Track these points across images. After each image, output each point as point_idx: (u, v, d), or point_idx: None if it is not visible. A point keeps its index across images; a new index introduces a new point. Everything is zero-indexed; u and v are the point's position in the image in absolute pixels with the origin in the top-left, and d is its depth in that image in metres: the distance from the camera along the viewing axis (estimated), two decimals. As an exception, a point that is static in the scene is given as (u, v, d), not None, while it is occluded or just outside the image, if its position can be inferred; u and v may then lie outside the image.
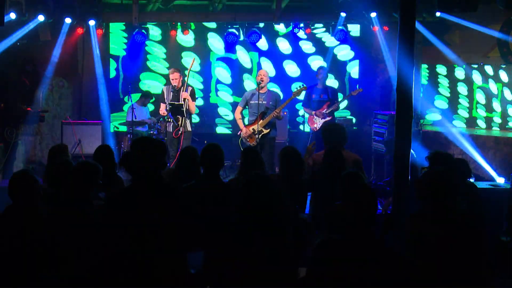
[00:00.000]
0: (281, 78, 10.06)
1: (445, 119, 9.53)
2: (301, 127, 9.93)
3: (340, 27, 9.24)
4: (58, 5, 8.23)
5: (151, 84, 10.08)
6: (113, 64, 10.08)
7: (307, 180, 5.01)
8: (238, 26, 9.61)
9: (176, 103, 7.66)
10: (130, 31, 9.65)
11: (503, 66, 8.87)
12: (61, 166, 4.04)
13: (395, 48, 4.64)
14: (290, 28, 9.73)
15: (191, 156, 4.77)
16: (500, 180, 7.40)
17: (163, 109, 7.91)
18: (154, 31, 10.00)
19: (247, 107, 7.81)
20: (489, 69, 9.16)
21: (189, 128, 7.79)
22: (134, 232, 3.15)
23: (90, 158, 4.87)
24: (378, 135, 8.92)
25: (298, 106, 9.79)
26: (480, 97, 9.41)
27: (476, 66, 9.31)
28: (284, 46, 10.19)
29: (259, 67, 9.78)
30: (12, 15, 7.50)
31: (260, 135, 7.51)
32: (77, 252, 3.34)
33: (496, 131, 9.12)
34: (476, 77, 9.37)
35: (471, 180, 5.07)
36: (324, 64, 9.75)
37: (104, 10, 9.23)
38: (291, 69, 10.22)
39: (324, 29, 9.98)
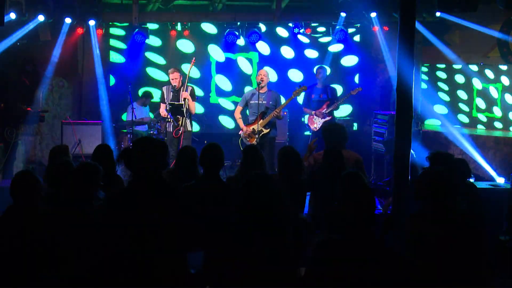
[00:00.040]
0: (284, 84, 10.08)
1: (446, 120, 9.54)
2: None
3: (340, 27, 9.24)
4: (58, 5, 8.22)
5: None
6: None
7: (307, 180, 5.00)
8: (238, 26, 9.63)
9: (176, 103, 7.66)
10: (129, 36, 9.71)
11: (504, 69, 8.88)
12: (61, 166, 4.04)
13: (395, 48, 4.64)
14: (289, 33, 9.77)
15: (189, 156, 4.77)
16: (500, 180, 7.40)
17: (163, 109, 7.92)
18: (154, 39, 10.07)
19: (247, 107, 7.81)
20: (489, 73, 9.17)
21: (189, 128, 7.79)
22: (134, 232, 3.15)
23: (90, 158, 4.86)
24: (378, 135, 8.92)
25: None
26: (480, 101, 9.41)
27: (476, 68, 9.31)
28: (287, 53, 10.22)
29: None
30: (12, 15, 7.50)
31: (260, 135, 7.51)
32: (78, 252, 3.34)
33: (497, 131, 9.12)
34: (476, 81, 9.37)
35: (471, 180, 5.07)
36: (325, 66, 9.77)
37: (104, 10, 9.22)
38: (295, 75, 10.24)
39: (325, 31, 10.00)
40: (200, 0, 9.79)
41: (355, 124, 10.04)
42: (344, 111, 10.07)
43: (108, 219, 3.30)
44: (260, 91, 7.49)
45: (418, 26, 8.44)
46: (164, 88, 8.00)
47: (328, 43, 10.09)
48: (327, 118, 8.26)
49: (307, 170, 5.19)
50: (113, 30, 10.09)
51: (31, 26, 8.08)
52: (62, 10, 8.28)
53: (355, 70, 10.31)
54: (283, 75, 10.25)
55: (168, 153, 7.48)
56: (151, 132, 8.70)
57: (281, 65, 10.27)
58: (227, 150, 5.80)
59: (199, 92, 9.88)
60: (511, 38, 8.46)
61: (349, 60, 10.33)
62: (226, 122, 10.37)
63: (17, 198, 3.54)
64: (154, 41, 10.13)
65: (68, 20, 8.45)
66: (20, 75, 8.59)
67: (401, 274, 2.66)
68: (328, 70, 9.44)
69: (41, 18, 7.97)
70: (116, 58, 10.19)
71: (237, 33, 9.54)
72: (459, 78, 9.70)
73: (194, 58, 8.10)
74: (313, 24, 9.77)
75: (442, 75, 9.97)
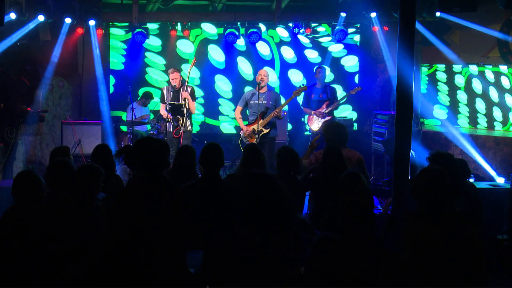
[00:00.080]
0: (286, 86, 10.09)
1: (447, 121, 9.54)
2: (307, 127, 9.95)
3: (340, 27, 9.24)
4: (58, 5, 8.22)
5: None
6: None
7: (305, 179, 5.00)
8: (238, 26, 9.63)
9: (176, 103, 7.66)
10: (129, 36, 9.72)
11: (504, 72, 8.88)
12: (61, 166, 4.03)
13: (395, 48, 4.64)
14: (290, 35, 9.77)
15: (188, 155, 4.78)
16: (500, 180, 7.39)
17: (163, 110, 7.92)
18: (154, 41, 10.09)
19: (246, 107, 7.81)
20: (490, 74, 9.17)
21: (189, 128, 7.79)
22: (134, 232, 3.15)
23: (89, 158, 4.87)
24: (378, 135, 8.93)
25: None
26: (480, 106, 9.41)
27: (476, 67, 9.31)
28: (288, 54, 10.23)
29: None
30: (12, 15, 7.49)
31: (260, 135, 7.51)
32: (78, 252, 3.34)
33: (497, 131, 9.12)
34: (477, 84, 9.36)
35: (471, 180, 5.06)
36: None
37: (104, 10, 9.23)
38: (296, 77, 10.25)
39: (325, 32, 10.01)
40: (200, 0, 9.79)
41: (355, 124, 10.04)
42: (344, 111, 10.06)
43: (109, 218, 3.30)
44: (260, 91, 7.49)
45: (418, 26, 8.45)
46: (164, 89, 8.00)
47: (329, 44, 10.11)
48: (327, 118, 8.26)
49: (308, 169, 5.19)
50: (113, 30, 10.09)
51: (31, 26, 8.08)
52: (62, 10, 8.28)
53: (355, 70, 10.30)
54: (285, 78, 10.26)
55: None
56: (151, 132, 8.71)
57: (282, 68, 10.26)
58: (227, 150, 5.80)
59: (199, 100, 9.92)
60: (511, 38, 8.47)
61: (349, 60, 10.32)
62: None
63: (19, 198, 3.53)
64: (154, 41, 10.12)
65: (68, 20, 8.45)
66: (20, 75, 8.58)
67: (399, 274, 2.66)
68: (328, 70, 9.44)
69: (41, 18, 7.97)
70: (116, 58, 10.18)
71: (237, 33, 9.55)
72: (460, 84, 9.70)
73: (194, 58, 8.10)
74: (313, 24, 9.77)
75: (442, 77, 9.97)
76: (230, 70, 10.25)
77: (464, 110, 9.70)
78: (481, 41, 8.92)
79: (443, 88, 9.93)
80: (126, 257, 3.15)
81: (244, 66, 10.26)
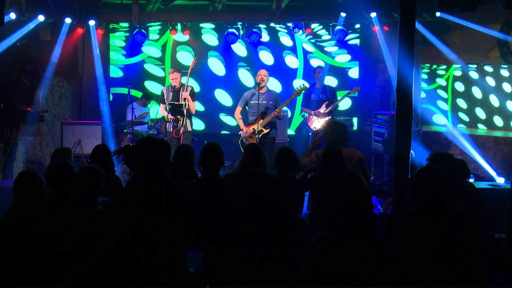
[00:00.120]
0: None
1: (447, 120, 9.54)
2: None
3: (340, 27, 9.25)
4: (58, 5, 8.22)
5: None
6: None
7: (306, 179, 5.00)
8: (238, 26, 9.64)
9: (176, 103, 7.66)
10: (129, 36, 9.71)
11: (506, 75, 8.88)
12: (59, 167, 4.02)
13: (395, 48, 4.64)
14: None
15: (186, 154, 4.78)
16: (500, 180, 7.39)
17: (162, 110, 7.92)
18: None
19: (246, 107, 7.81)
20: (490, 80, 9.17)
21: (189, 129, 7.79)
22: (134, 232, 3.15)
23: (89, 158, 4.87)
24: (378, 135, 8.93)
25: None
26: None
27: (475, 66, 9.32)
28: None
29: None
30: (12, 15, 7.50)
31: (260, 135, 7.51)
32: (78, 252, 3.34)
33: (497, 131, 9.12)
34: (476, 91, 9.37)
35: (471, 180, 5.06)
36: (322, 64, 9.78)
37: (104, 10, 9.23)
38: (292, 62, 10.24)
39: (330, 39, 10.04)
40: (200, 0, 9.79)
41: (355, 124, 10.03)
42: (344, 111, 10.06)
43: (109, 218, 3.30)
44: (260, 91, 7.49)
45: (418, 26, 8.45)
46: (164, 89, 8.01)
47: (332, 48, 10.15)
48: (327, 118, 8.26)
49: (308, 167, 5.19)
50: (113, 30, 10.08)
51: (31, 26, 8.08)
52: (62, 10, 8.28)
53: (355, 70, 10.30)
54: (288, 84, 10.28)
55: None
56: (151, 132, 8.70)
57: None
58: (227, 150, 5.79)
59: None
60: (511, 38, 8.47)
61: (349, 60, 10.32)
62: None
63: (20, 198, 3.53)
64: (155, 53, 10.16)
65: (68, 20, 8.45)
66: (20, 75, 8.58)
67: (399, 273, 2.66)
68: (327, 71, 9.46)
69: (41, 18, 7.97)
70: (116, 58, 10.18)
71: (237, 33, 9.55)
72: (460, 90, 9.71)
73: (195, 59, 8.09)
74: (314, 25, 9.78)
75: (442, 83, 9.98)
76: (230, 80, 10.25)
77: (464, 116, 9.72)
78: (481, 41, 8.92)
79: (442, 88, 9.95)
80: (126, 257, 3.15)
81: (245, 76, 10.23)
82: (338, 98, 8.45)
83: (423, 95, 9.81)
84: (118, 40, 10.12)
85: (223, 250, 2.81)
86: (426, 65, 10.01)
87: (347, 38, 9.63)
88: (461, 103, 9.58)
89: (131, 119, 8.44)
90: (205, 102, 10.08)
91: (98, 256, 3.25)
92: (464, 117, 9.62)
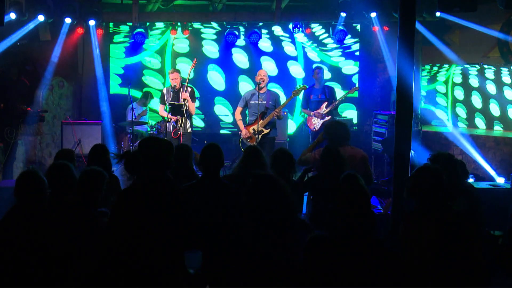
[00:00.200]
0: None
1: (447, 120, 9.55)
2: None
3: (340, 27, 9.25)
4: (58, 5, 8.23)
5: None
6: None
7: (304, 179, 4.99)
8: (238, 26, 9.65)
9: (176, 103, 7.66)
10: (129, 36, 9.71)
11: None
12: (59, 168, 4.02)
13: (395, 48, 4.64)
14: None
15: (185, 155, 4.78)
16: (500, 180, 7.39)
17: (162, 110, 7.92)
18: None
19: (246, 107, 7.81)
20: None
21: (189, 130, 7.78)
22: (134, 232, 3.16)
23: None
24: (378, 135, 8.93)
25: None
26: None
27: (477, 67, 9.31)
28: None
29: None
30: (12, 15, 7.50)
31: (260, 135, 7.51)
32: (79, 253, 3.34)
33: (497, 131, 9.12)
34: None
35: (471, 180, 5.06)
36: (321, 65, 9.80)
37: (104, 10, 9.23)
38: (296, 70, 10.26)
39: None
40: (200, 0, 9.79)
41: (355, 124, 10.04)
42: (344, 110, 10.06)
43: (110, 218, 3.30)
44: (260, 91, 7.48)
45: (418, 26, 8.45)
46: (164, 90, 8.01)
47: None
48: (326, 119, 8.26)
49: (310, 163, 5.19)
50: (113, 30, 10.09)
51: (31, 26, 8.08)
52: (62, 10, 8.28)
53: (354, 70, 10.31)
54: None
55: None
56: (151, 132, 8.71)
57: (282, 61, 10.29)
58: (227, 150, 5.79)
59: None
60: (511, 38, 8.46)
61: (349, 60, 10.33)
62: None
63: (21, 198, 3.52)
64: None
65: (68, 20, 8.45)
66: (20, 75, 8.58)
67: (398, 273, 2.65)
68: (326, 71, 9.44)
69: (41, 18, 7.97)
70: (116, 57, 10.19)
71: (237, 33, 9.55)
72: (459, 97, 9.71)
73: (195, 59, 8.09)
74: (314, 28, 9.79)
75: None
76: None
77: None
78: (481, 41, 8.92)
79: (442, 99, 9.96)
80: (126, 257, 3.15)
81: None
82: (338, 98, 8.45)
83: (423, 94, 9.81)
84: (117, 40, 10.15)
85: (223, 250, 2.81)
86: (426, 66, 10.01)
87: (348, 42, 9.64)
88: (461, 104, 9.57)
89: (131, 119, 8.44)
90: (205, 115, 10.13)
91: (98, 256, 3.25)
92: (463, 114, 9.62)
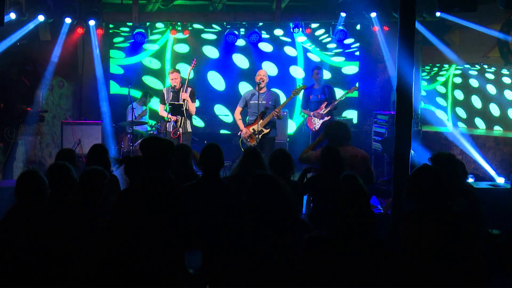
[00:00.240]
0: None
1: (447, 121, 9.54)
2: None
3: (340, 28, 9.25)
4: (58, 5, 8.22)
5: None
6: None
7: (306, 180, 4.99)
8: (238, 26, 9.64)
9: (176, 103, 7.66)
10: (129, 36, 9.71)
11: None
12: (58, 169, 4.02)
13: (395, 48, 4.64)
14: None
15: (185, 155, 4.78)
16: (500, 180, 7.40)
17: (162, 110, 7.92)
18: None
19: (246, 107, 7.81)
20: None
21: (189, 129, 7.78)
22: (134, 232, 3.16)
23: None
24: (378, 135, 8.93)
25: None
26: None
27: (477, 67, 9.31)
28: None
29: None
30: (12, 15, 7.50)
31: (260, 135, 7.51)
32: (79, 252, 3.34)
33: (497, 131, 9.12)
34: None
35: (470, 180, 5.06)
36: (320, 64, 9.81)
37: (104, 10, 9.23)
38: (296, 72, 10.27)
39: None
40: (200, 0, 9.79)
41: (355, 124, 10.03)
42: (344, 111, 10.06)
43: (110, 218, 3.31)
44: (260, 91, 7.48)
45: (418, 26, 8.44)
46: (164, 90, 8.02)
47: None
48: (326, 119, 8.26)
49: (311, 162, 5.19)
50: (114, 30, 10.09)
51: (31, 26, 8.08)
52: (62, 10, 8.28)
53: (354, 71, 10.31)
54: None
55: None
56: (151, 132, 8.71)
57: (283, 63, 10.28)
58: (227, 150, 5.79)
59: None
60: (511, 38, 8.46)
61: (349, 60, 10.33)
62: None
63: (22, 198, 3.52)
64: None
65: (68, 20, 8.45)
66: (20, 75, 8.58)
67: (398, 273, 2.65)
68: (326, 71, 9.44)
69: (41, 18, 7.97)
70: (116, 57, 10.19)
71: (236, 33, 9.55)
72: (459, 98, 9.70)
73: (194, 60, 8.09)
74: (313, 25, 9.78)
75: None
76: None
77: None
78: (481, 41, 8.91)
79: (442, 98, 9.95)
80: (126, 257, 3.15)
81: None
82: (337, 98, 8.45)
83: (423, 94, 9.81)
84: (117, 41, 10.14)
85: (223, 250, 2.81)
86: (426, 67, 10.01)
87: (348, 42, 9.64)
88: (461, 106, 9.56)
89: (131, 119, 8.44)
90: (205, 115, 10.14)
91: (98, 256, 3.25)
92: (463, 114, 9.62)
